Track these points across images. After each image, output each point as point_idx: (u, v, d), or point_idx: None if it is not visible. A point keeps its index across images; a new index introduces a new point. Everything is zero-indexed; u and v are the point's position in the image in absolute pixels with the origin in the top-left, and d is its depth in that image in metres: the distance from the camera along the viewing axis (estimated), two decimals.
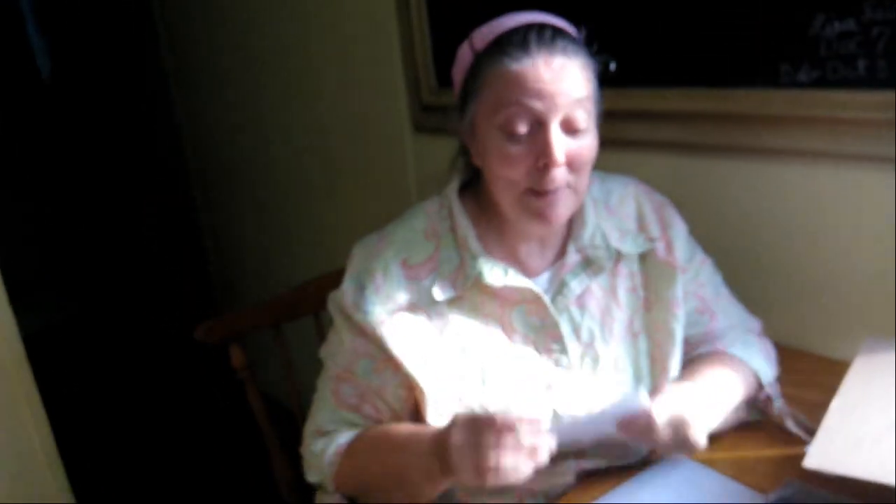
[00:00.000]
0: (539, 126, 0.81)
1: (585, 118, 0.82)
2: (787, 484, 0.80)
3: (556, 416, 0.88)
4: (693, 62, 1.14)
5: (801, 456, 0.76)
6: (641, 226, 0.95)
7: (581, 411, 0.88)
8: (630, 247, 0.93)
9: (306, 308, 1.28)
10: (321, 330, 1.31)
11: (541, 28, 0.82)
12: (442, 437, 0.76)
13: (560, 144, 0.80)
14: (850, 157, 1.02)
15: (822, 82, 1.00)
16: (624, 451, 0.89)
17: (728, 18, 1.08)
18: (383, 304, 0.87)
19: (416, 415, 0.91)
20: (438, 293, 0.88)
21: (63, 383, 2.86)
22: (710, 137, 1.16)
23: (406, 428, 0.89)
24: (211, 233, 3.03)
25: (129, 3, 2.89)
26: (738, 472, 0.86)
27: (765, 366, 0.95)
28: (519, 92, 0.80)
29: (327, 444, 0.92)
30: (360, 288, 0.89)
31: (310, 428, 0.96)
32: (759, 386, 0.94)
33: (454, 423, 0.76)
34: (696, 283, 0.98)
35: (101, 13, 3.20)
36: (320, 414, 0.94)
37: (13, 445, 1.57)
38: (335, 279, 1.27)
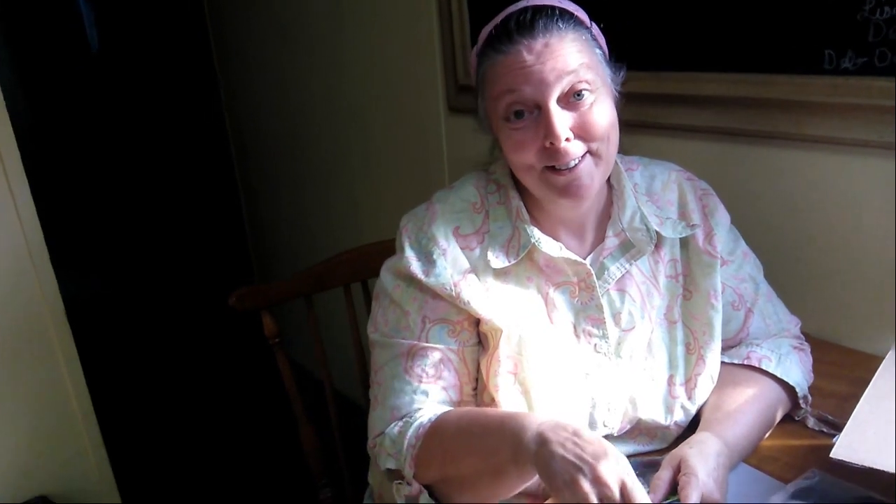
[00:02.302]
0: (538, 108, 0.81)
1: (586, 86, 0.81)
2: (809, 474, 0.79)
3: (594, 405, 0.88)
4: (733, 46, 1.12)
5: (825, 447, 0.76)
6: (683, 213, 0.94)
7: (618, 399, 0.88)
8: (669, 231, 0.91)
9: (337, 280, 1.30)
10: (351, 301, 1.33)
11: (521, 13, 0.82)
12: (543, 437, 0.71)
13: (562, 121, 0.80)
14: (891, 148, 0.99)
15: (868, 69, 0.97)
16: None
17: (772, 2, 1.05)
18: (453, 265, 0.87)
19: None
20: (494, 260, 0.87)
21: (101, 347, 2.96)
22: (750, 123, 1.13)
23: (498, 411, 0.85)
24: (250, 205, 3.08)
25: None
26: (759, 461, 0.85)
27: (801, 379, 0.91)
28: (508, 80, 0.81)
29: (406, 427, 0.85)
30: (426, 253, 0.88)
31: (382, 415, 0.89)
32: (795, 398, 0.91)
33: (556, 437, 0.70)
34: (737, 278, 0.95)
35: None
36: (392, 397, 0.88)
37: (51, 404, 1.64)
38: (365, 252, 1.31)
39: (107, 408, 1.90)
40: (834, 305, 1.13)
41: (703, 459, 0.76)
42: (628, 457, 0.71)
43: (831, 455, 0.73)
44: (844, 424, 0.78)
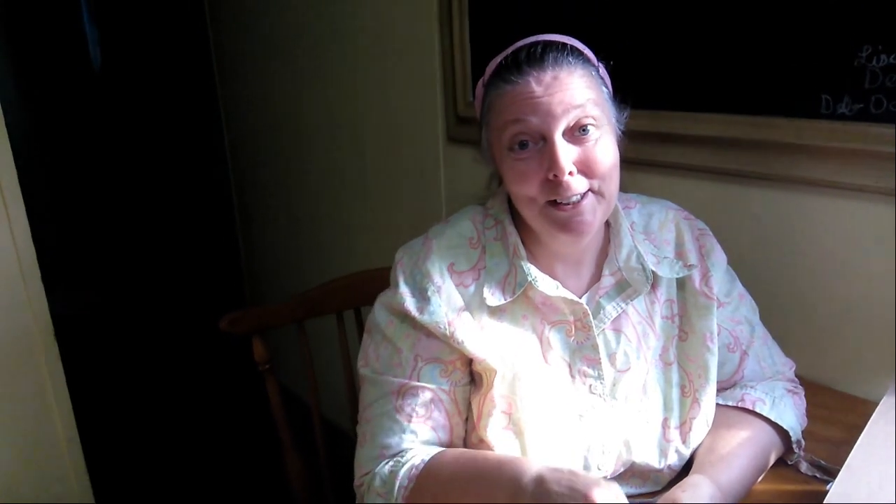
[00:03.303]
0: (544, 140, 0.81)
1: (592, 122, 0.81)
2: None
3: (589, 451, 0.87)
4: (732, 88, 1.13)
5: (818, 493, 0.75)
6: (680, 252, 0.93)
7: (612, 441, 0.87)
8: (666, 271, 0.90)
9: (330, 307, 1.29)
10: (344, 329, 1.32)
11: (532, 46, 0.83)
12: (541, 478, 0.72)
13: (566, 154, 0.80)
14: (888, 193, 1.00)
15: (863, 115, 0.99)
16: None
17: (770, 45, 1.07)
18: (447, 303, 0.86)
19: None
20: (490, 298, 0.86)
21: (88, 366, 2.92)
22: (746, 164, 1.14)
23: (494, 455, 0.84)
24: (244, 227, 3.08)
25: (179, 1, 2.97)
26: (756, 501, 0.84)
27: (795, 423, 0.91)
28: (515, 110, 0.81)
29: (398, 466, 0.84)
30: (421, 290, 0.87)
31: (371, 453, 0.87)
32: (789, 442, 0.90)
33: (553, 477, 0.72)
34: (733, 320, 0.94)
35: (151, 9, 3.29)
36: (381, 436, 0.87)
37: (34, 421, 1.61)
38: (359, 280, 1.30)
39: (91, 428, 1.87)
40: (829, 349, 1.13)
41: (703, 493, 0.76)
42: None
43: (825, 502, 0.72)
44: (837, 470, 0.77)
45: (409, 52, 1.79)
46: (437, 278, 0.87)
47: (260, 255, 3.00)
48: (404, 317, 0.87)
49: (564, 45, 0.84)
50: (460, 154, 1.70)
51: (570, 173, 0.80)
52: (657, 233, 0.94)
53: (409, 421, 0.86)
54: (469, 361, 0.88)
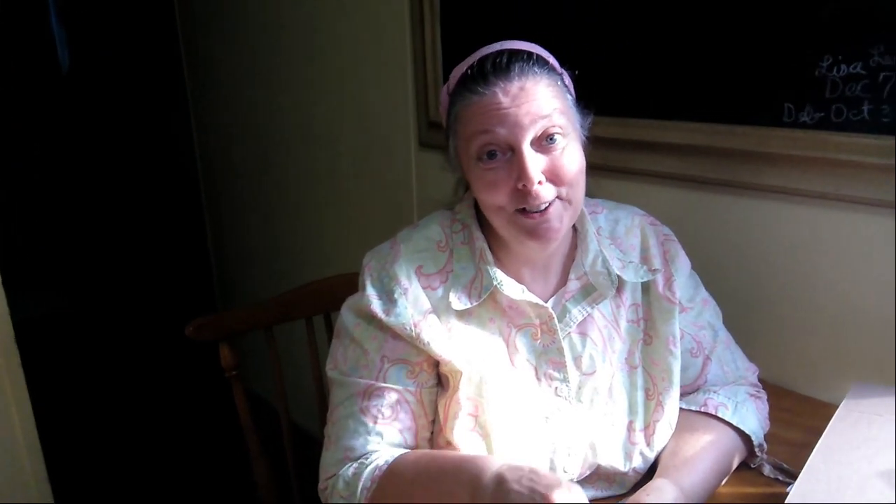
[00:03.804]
0: (512, 150, 0.81)
1: (559, 130, 0.82)
2: None
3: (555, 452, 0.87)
4: (698, 97, 1.15)
5: (780, 495, 0.76)
6: (645, 257, 0.95)
7: (578, 444, 0.88)
8: (631, 276, 0.92)
9: (300, 312, 1.28)
10: (312, 335, 1.31)
11: (497, 55, 0.83)
12: (501, 477, 0.72)
13: (535, 164, 0.80)
14: (848, 200, 1.02)
15: (824, 124, 1.01)
16: None
17: (735, 56, 1.09)
18: (414, 305, 0.86)
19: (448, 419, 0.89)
20: (456, 302, 0.87)
21: (51, 373, 2.86)
22: (711, 172, 1.16)
23: (456, 454, 0.85)
24: (215, 231, 3.04)
25: (149, 8, 2.94)
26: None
27: (757, 427, 0.92)
28: (483, 121, 0.81)
29: (362, 468, 0.84)
30: (388, 292, 0.87)
31: (335, 455, 0.88)
32: (751, 446, 0.92)
33: (513, 476, 0.72)
34: (696, 325, 0.96)
35: (120, 11, 3.25)
36: (346, 438, 0.87)
37: None
38: (329, 284, 1.30)
39: (52, 435, 1.83)
40: (790, 353, 1.15)
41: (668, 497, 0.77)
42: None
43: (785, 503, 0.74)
44: (799, 472, 0.78)
45: (381, 58, 1.79)
46: (403, 281, 0.87)
47: (231, 259, 2.97)
48: (371, 319, 0.87)
49: (530, 54, 0.84)
50: (432, 159, 1.71)
51: (539, 182, 0.81)
52: (623, 238, 0.95)
53: (375, 422, 0.86)
54: (436, 363, 0.88)
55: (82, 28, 3.62)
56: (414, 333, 0.85)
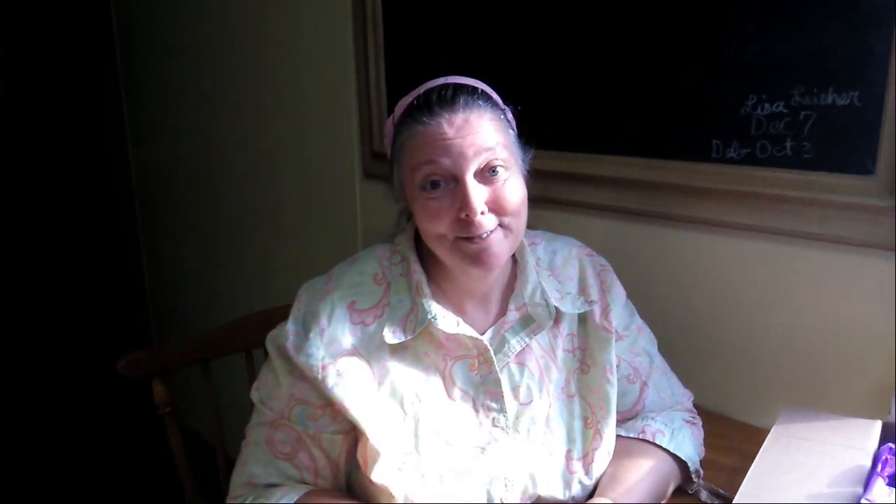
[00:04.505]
0: (455, 180, 0.83)
1: (501, 163, 0.84)
2: None
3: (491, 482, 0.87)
4: (633, 133, 1.19)
5: None
6: (582, 287, 0.97)
7: (515, 475, 0.88)
8: (568, 307, 0.93)
9: (237, 345, 1.25)
10: (252, 368, 1.28)
11: (442, 88, 0.85)
12: None
13: (478, 194, 0.82)
14: (773, 232, 1.07)
15: (750, 159, 1.06)
16: None
17: (667, 94, 1.14)
18: (327, 347, 0.85)
19: (352, 463, 0.90)
20: (389, 336, 0.86)
21: None
22: (645, 204, 1.20)
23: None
24: (152, 263, 2.96)
25: (86, 26, 2.87)
26: None
27: (692, 453, 0.95)
28: (428, 151, 0.83)
29: (257, 501, 0.87)
30: (305, 330, 0.87)
31: (240, 478, 0.90)
32: (687, 471, 0.94)
33: None
34: (632, 352, 0.98)
35: (55, 29, 3.16)
36: (252, 463, 0.89)
37: None
38: (268, 317, 1.27)
39: None
40: (724, 379, 1.18)
41: None
42: None
43: None
44: (734, 497, 0.80)
45: (325, 88, 1.80)
46: (323, 320, 0.87)
47: (168, 289, 2.89)
48: (285, 355, 0.87)
49: (475, 88, 0.86)
50: (377, 190, 1.71)
51: (482, 213, 0.82)
52: (561, 269, 0.97)
53: (276, 456, 0.88)
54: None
55: (15, 49, 3.50)
56: (319, 376, 0.84)
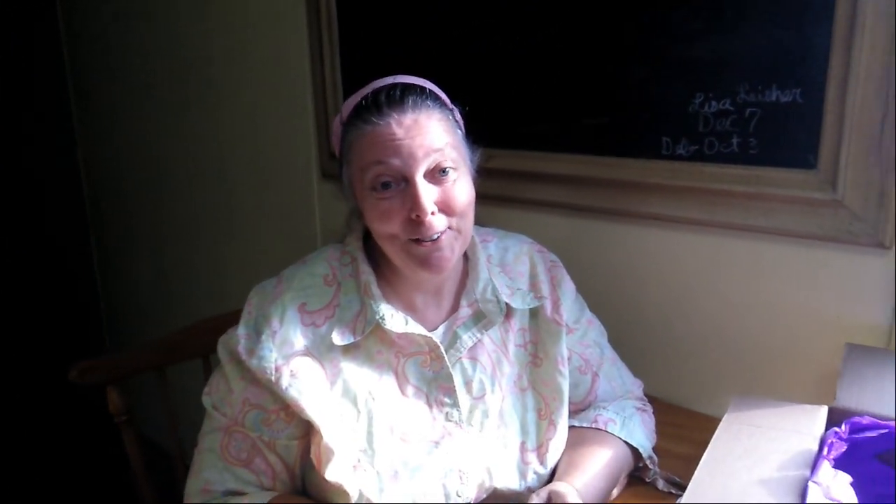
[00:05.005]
0: (405, 181, 0.83)
1: (451, 164, 0.85)
2: None
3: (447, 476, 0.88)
4: (586, 132, 1.21)
5: None
6: (533, 283, 0.99)
7: (471, 468, 0.89)
8: (519, 303, 0.96)
9: (193, 351, 1.23)
10: (209, 374, 1.26)
11: (391, 88, 0.85)
12: None
13: (428, 195, 0.83)
14: (722, 226, 1.10)
15: (698, 156, 1.09)
16: None
17: (618, 94, 1.16)
18: (279, 349, 0.85)
19: (306, 464, 0.90)
20: (338, 338, 0.87)
21: None
22: (598, 201, 1.22)
23: None
24: (103, 268, 2.89)
25: (30, 23, 2.79)
26: None
27: (644, 440, 0.98)
28: (377, 152, 0.83)
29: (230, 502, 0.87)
30: (256, 333, 0.86)
31: (195, 486, 0.89)
32: (639, 458, 0.97)
33: None
34: (583, 344, 1.01)
35: (2, 40, 3.06)
36: (207, 470, 0.89)
37: None
38: (225, 321, 1.24)
39: None
40: (677, 370, 1.21)
41: (567, 491, 0.82)
42: None
43: None
44: (686, 483, 0.83)
45: (280, 84, 1.78)
46: (275, 322, 0.87)
47: (122, 295, 2.82)
48: (237, 360, 0.87)
49: (423, 88, 0.87)
50: (335, 189, 1.69)
51: (432, 213, 0.83)
52: (512, 265, 0.99)
53: (231, 463, 0.88)
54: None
55: None
56: (273, 378, 0.84)
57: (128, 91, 2.37)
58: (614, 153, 1.18)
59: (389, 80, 0.88)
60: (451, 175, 0.85)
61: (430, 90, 0.88)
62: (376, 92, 0.86)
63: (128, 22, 2.28)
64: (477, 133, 0.93)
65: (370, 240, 0.94)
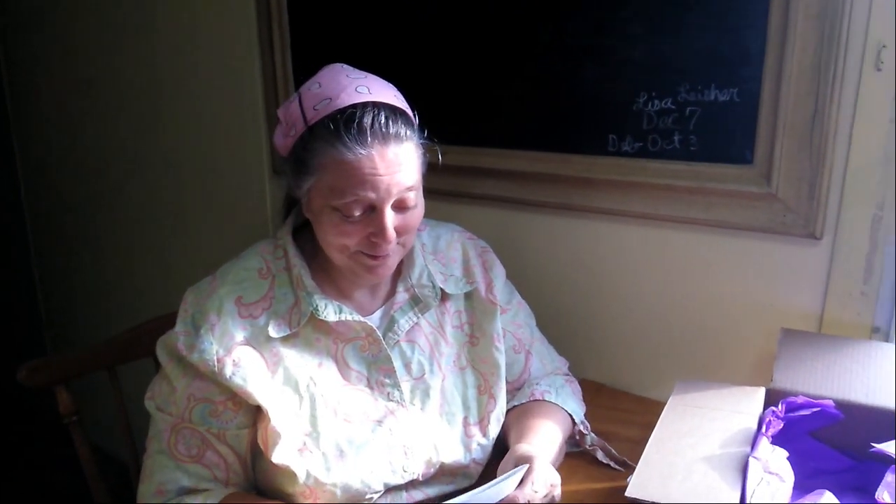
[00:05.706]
0: (373, 209, 0.86)
1: (414, 196, 0.88)
2: None
3: (395, 455, 0.91)
4: (536, 129, 1.24)
5: (625, 487, 0.83)
6: (466, 268, 1.04)
7: (416, 444, 0.92)
8: (452, 288, 1.01)
9: (142, 350, 1.21)
10: None
11: (376, 112, 0.83)
12: None
13: (392, 224, 0.86)
14: (665, 219, 1.15)
15: (643, 152, 1.13)
16: None
17: (565, 93, 1.19)
18: (219, 341, 0.87)
19: (256, 452, 0.91)
20: (273, 330, 0.89)
21: None
22: (547, 196, 1.26)
23: None
24: (44, 271, 2.78)
25: None
26: (572, 500, 0.92)
27: (576, 407, 1.05)
28: (355, 184, 0.83)
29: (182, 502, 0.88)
30: (195, 328, 0.88)
31: (148, 489, 0.90)
32: (573, 423, 1.04)
33: None
34: (514, 324, 1.07)
35: None
36: (159, 472, 0.89)
37: None
38: (174, 320, 1.23)
39: None
40: (623, 358, 1.26)
41: (529, 451, 0.86)
42: (434, 499, 0.80)
43: (626, 494, 0.81)
44: (634, 463, 0.87)
45: (228, 78, 1.74)
46: (212, 316, 0.88)
47: (63, 302, 2.72)
48: (178, 357, 0.88)
49: (405, 113, 0.87)
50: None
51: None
52: (445, 252, 1.04)
53: (182, 461, 0.89)
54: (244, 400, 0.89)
55: None
56: (216, 369, 0.86)
57: (67, 82, 2.29)
58: (562, 150, 1.21)
59: (368, 96, 0.84)
60: (412, 203, 0.88)
61: (405, 114, 0.87)
62: (359, 115, 0.82)
63: (66, 14, 2.20)
64: (427, 130, 0.93)
65: (303, 231, 0.96)
